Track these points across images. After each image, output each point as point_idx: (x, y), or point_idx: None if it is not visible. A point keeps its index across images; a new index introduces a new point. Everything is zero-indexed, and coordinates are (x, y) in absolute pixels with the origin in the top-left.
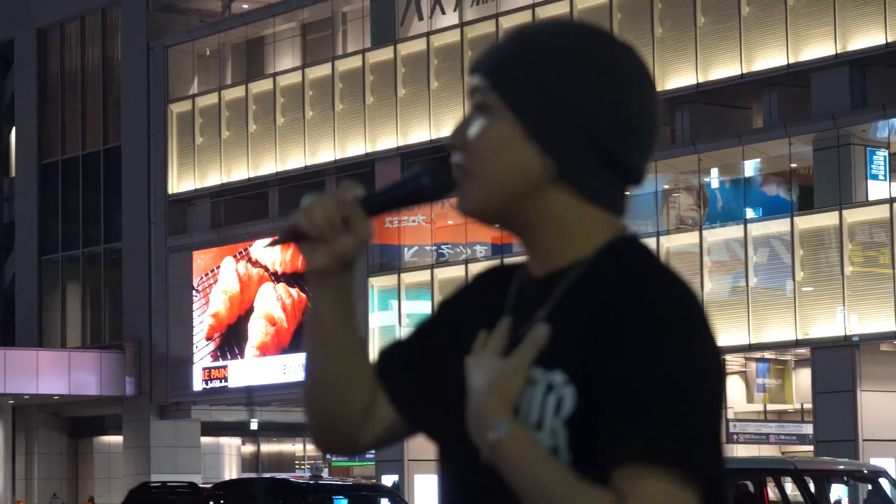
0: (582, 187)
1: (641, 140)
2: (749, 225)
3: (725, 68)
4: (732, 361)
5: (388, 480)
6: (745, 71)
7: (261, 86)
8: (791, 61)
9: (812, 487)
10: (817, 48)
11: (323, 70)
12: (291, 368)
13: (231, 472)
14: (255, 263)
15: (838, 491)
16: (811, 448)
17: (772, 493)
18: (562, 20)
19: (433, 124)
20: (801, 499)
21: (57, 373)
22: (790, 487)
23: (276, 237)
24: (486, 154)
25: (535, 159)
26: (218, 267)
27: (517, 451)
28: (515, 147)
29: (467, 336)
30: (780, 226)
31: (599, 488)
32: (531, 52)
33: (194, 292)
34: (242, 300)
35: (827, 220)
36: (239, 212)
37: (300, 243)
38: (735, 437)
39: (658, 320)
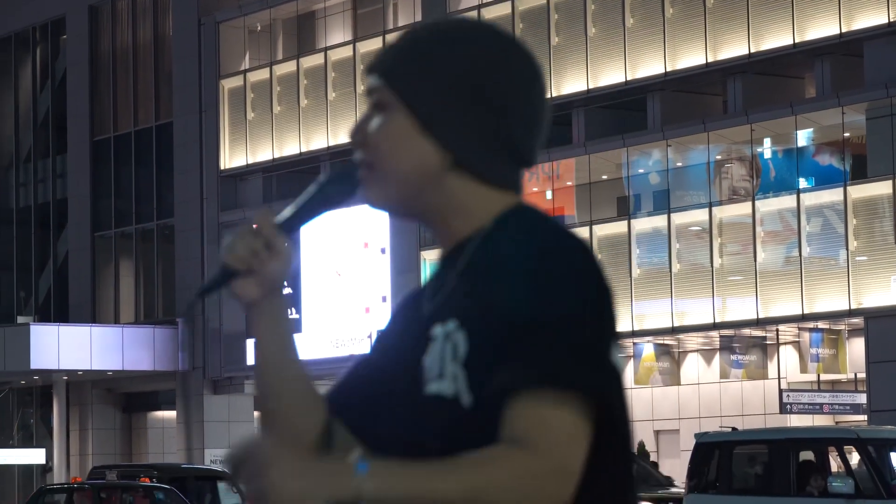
0: (478, 173)
1: (532, 124)
2: (802, 195)
3: (778, 38)
4: (786, 332)
5: None
6: (797, 40)
7: (312, 60)
8: (844, 30)
9: (874, 456)
10: (870, 16)
11: (374, 44)
12: (343, 343)
13: None
14: None
15: None
16: (864, 418)
17: (834, 462)
18: (453, 18)
19: None
20: (863, 467)
21: (110, 349)
22: (852, 457)
23: (203, 287)
24: (386, 149)
25: (432, 151)
26: None
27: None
28: (412, 140)
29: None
30: (833, 195)
31: (482, 452)
32: (422, 48)
33: None
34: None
35: (880, 188)
36: (291, 186)
37: (232, 282)
38: (788, 406)
39: (523, 258)
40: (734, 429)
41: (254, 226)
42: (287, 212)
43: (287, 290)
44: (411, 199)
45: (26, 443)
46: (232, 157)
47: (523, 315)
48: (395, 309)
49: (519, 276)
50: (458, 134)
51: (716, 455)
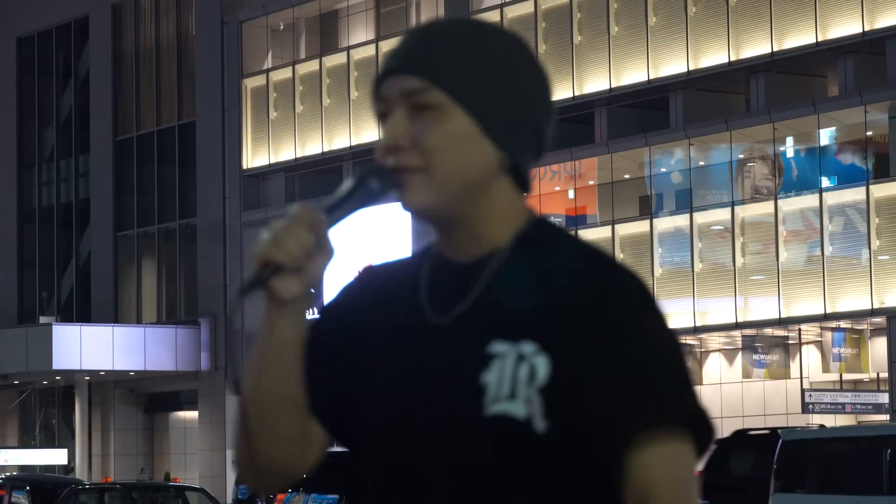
0: (519, 177)
1: (552, 125)
2: (824, 194)
3: (800, 36)
4: (808, 331)
5: None
6: (820, 39)
7: (335, 59)
8: (867, 28)
9: None
10: (893, 15)
11: (396, 43)
12: None
13: None
14: None
15: None
16: (887, 417)
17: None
18: (467, 18)
19: None
20: None
21: (132, 348)
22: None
23: (246, 285)
24: (447, 151)
25: (490, 153)
26: None
27: None
28: (474, 142)
29: (364, 338)
30: (855, 194)
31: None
32: (466, 48)
33: None
34: None
35: None
36: (313, 186)
37: (274, 278)
38: (811, 406)
39: (634, 296)
40: (822, 426)
41: (300, 219)
42: (328, 206)
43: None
44: (459, 202)
45: (48, 443)
46: (254, 157)
47: (631, 351)
48: (361, 295)
49: (629, 315)
50: (510, 136)
51: (802, 453)
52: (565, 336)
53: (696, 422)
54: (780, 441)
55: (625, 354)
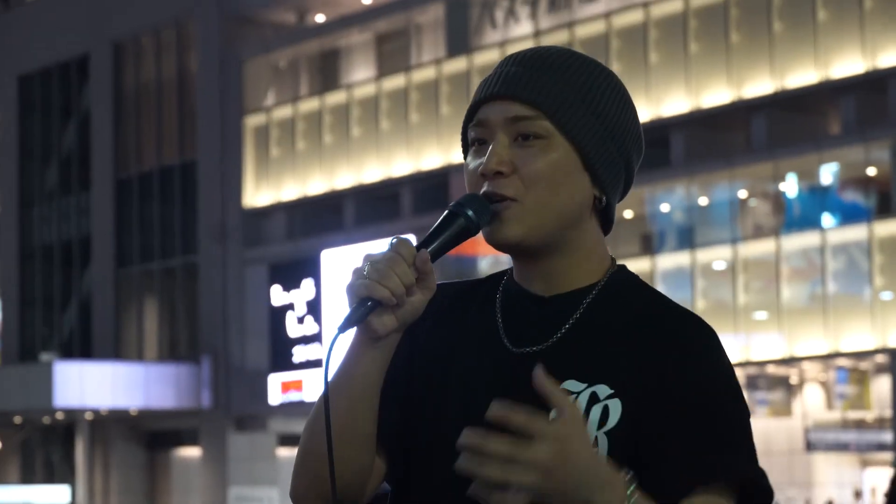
0: (609, 216)
1: (639, 163)
2: (826, 232)
3: (802, 74)
4: (810, 370)
5: None
6: (821, 77)
7: (335, 97)
8: (868, 67)
9: None
10: (895, 52)
11: (397, 81)
12: None
13: None
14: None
15: None
16: (890, 456)
17: None
18: (565, 49)
19: None
20: None
21: (134, 386)
22: None
23: (346, 322)
24: (548, 182)
25: (587, 188)
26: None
27: None
28: (575, 175)
29: (443, 359)
30: (857, 232)
31: None
32: (574, 80)
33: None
34: None
35: None
36: (314, 223)
37: (373, 314)
38: (814, 445)
39: (707, 350)
40: None
41: (401, 253)
42: (424, 240)
43: None
44: (552, 235)
45: (49, 481)
46: (255, 194)
47: (710, 409)
48: (434, 309)
49: (698, 366)
50: (607, 171)
51: None
52: (640, 381)
53: (749, 486)
54: (894, 472)
55: (688, 410)
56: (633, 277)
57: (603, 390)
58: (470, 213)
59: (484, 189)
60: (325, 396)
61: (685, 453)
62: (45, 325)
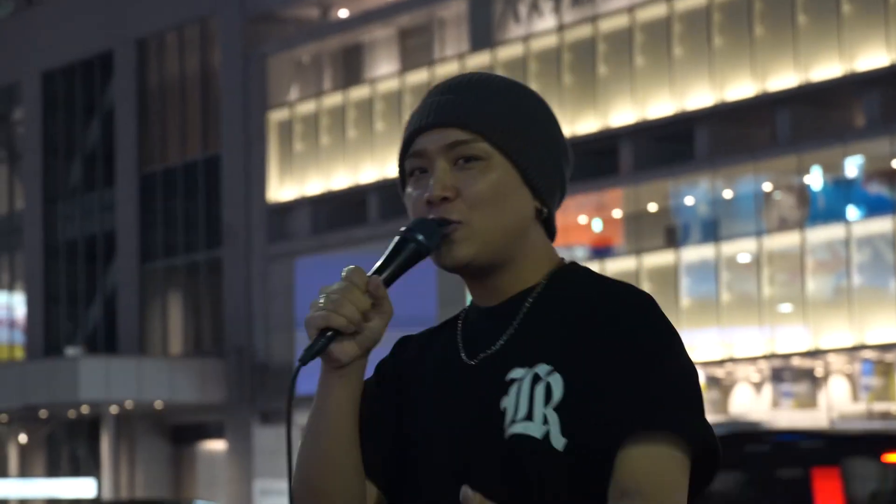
0: (551, 224)
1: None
2: (851, 225)
3: (826, 67)
4: (835, 362)
5: None
6: (846, 70)
7: (359, 92)
8: (893, 60)
9: None
10: None
11: (420, 75)
12: None
13: None
14: None
15: None
16: None
17: None
18: (488, 73)
19: None
20: None
21: (159, 380)
22: None
23: (307, 354)
24: (492, 201)
25: (529, 201)
26: None
27: None
28: (517, 191)
29: (415, 388)
30: (882, 225)
31: None
32: (504, 101)
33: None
34: None
35: None
36: (339, 218)
37: (333, 343)
38: None
39: (645, 315)
40: None
41: (354, 281)
42: (378, 267)
43: None
44: (500, 251)
45: (74, 475)
46: (279, 189)
47: (644, 364)
48: (407, 360)
49: (629, 326)
50: (545, 183)
51: None
52: (577, 354)
53: (696, 437)
54: None
55: (630, 368)
56: (582, 270)
57: (543, 369)
58: (420, 237)
59: (430, 216)
60: (287, 431)
61: (625, 406)
62: (69, 320)
